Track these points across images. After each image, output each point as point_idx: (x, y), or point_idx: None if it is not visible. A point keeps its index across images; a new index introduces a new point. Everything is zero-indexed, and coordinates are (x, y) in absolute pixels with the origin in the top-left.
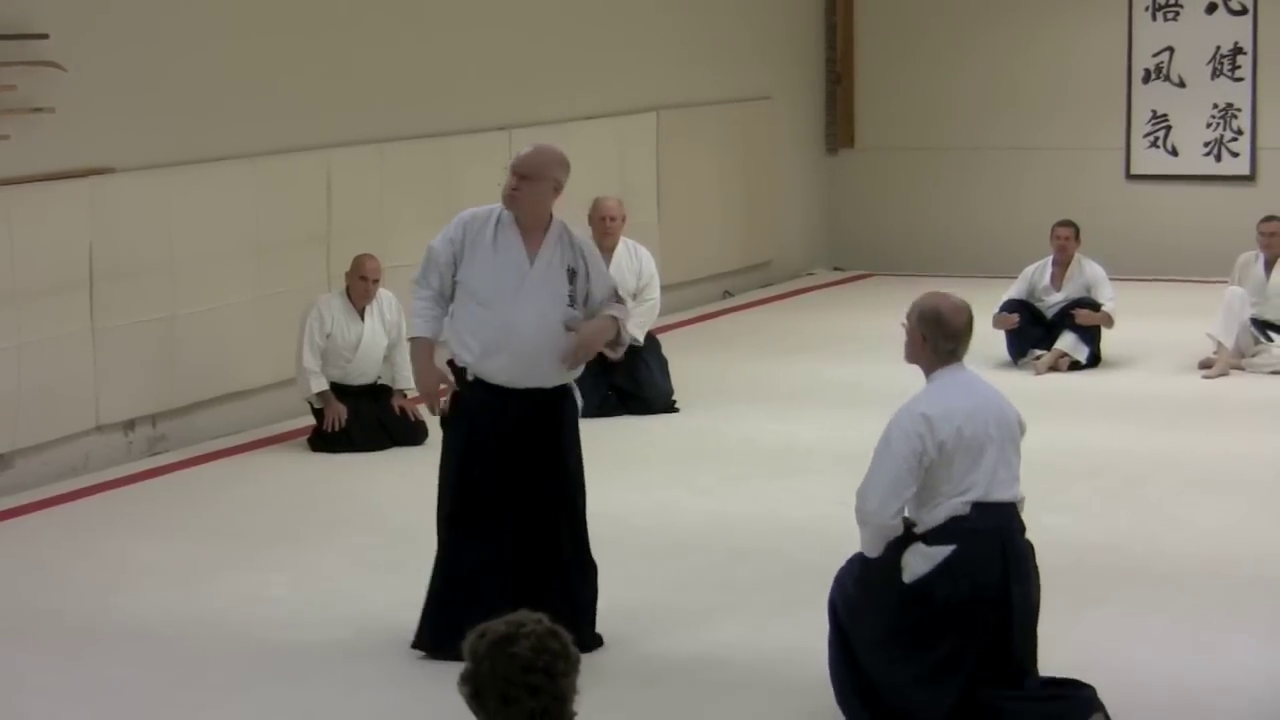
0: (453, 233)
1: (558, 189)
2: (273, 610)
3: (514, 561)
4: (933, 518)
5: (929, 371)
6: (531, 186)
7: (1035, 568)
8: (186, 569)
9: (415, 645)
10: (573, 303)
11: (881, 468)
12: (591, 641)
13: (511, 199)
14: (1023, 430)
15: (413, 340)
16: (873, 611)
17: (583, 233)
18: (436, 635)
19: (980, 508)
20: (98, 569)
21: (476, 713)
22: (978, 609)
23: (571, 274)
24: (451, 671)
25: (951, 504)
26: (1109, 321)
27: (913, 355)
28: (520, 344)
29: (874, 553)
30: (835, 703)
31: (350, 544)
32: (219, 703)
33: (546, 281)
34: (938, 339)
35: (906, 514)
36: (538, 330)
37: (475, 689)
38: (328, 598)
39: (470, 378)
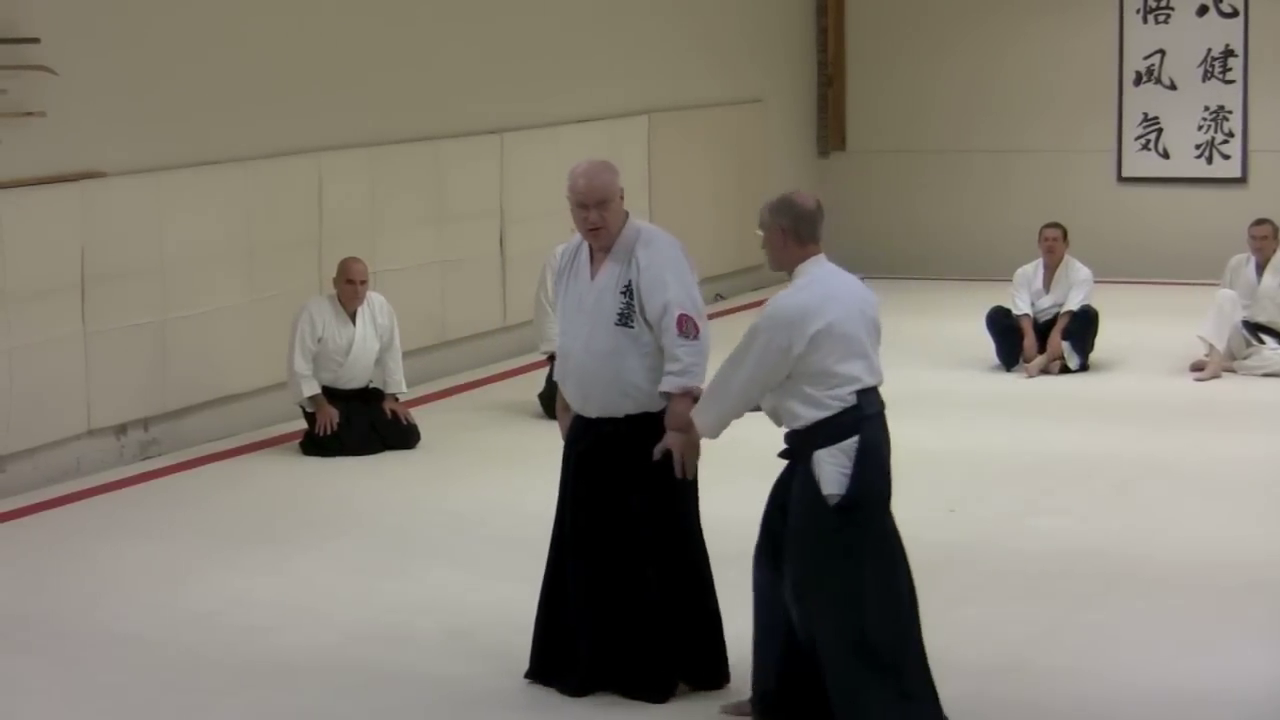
0: (555, 263)
1: (622, 196)
2: (263, 614)
3: (591, 599)
4: (824, 410)
5: (794, 266)
6: (608, 210)
7: None
8: (177, 572)
9: (527, 674)
10: (626, 321)
11: (745, 361)
12: (658, 692)
13: (596, 234)
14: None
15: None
16: (830, 581)
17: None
18: (537, 664)
19: (864, 394)
20: (89, 573)
21: None
22: (886, 507)
23: (627, 289)
24: (441, 679)
25: (839, 393)
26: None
27: (777, 258)
28: (574, 369)
29: (709, 432)
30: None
31: (341, 548)
32: (209, 705)
33: (599, 303)
34: (799, 224)
35: (800, 424)
36: (586, 354)
37: None
38: (318, 601)
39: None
